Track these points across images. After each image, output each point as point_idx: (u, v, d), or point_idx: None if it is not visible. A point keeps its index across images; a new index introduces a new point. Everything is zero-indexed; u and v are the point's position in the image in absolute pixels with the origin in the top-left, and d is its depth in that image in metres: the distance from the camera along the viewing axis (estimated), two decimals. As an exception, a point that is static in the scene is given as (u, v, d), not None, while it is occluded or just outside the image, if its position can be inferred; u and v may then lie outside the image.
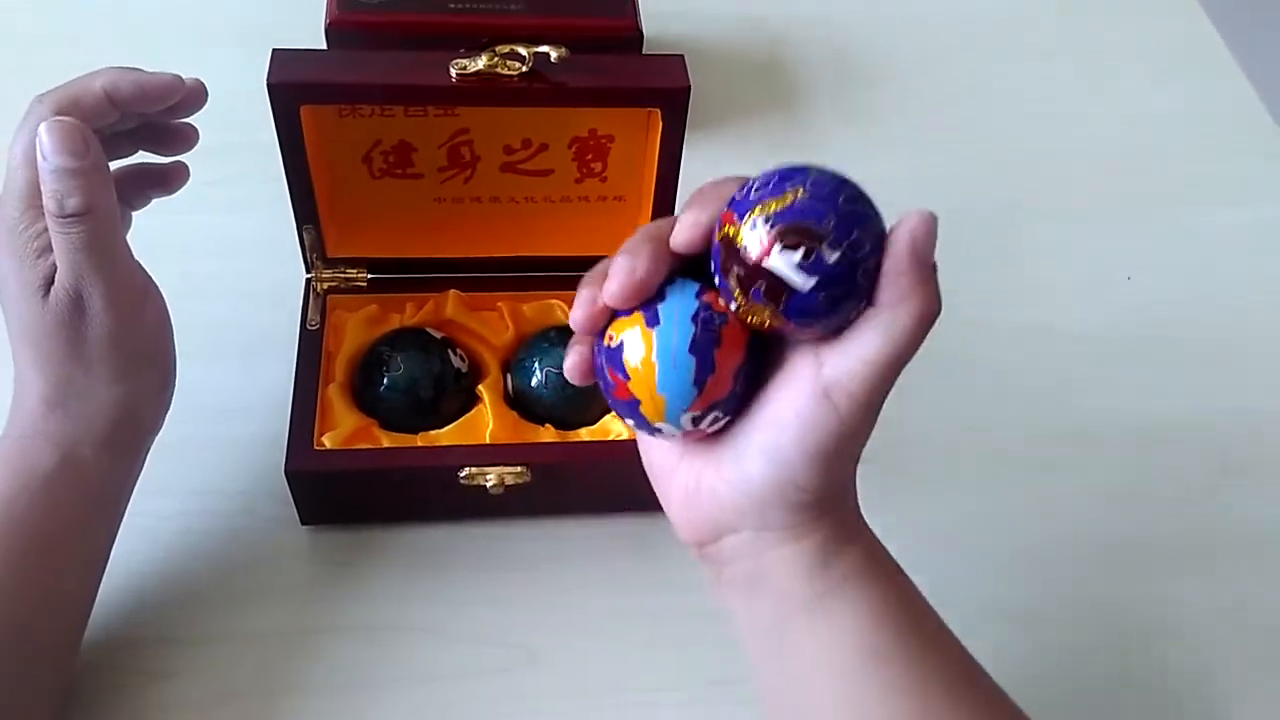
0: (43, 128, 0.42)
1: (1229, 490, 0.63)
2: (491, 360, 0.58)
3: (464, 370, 0.57)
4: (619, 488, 0.56)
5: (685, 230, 0.36)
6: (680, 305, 0.36)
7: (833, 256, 0.33)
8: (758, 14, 0.86)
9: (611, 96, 0.53)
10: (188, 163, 0.51)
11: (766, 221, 0.34)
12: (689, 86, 0.52)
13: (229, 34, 0.79)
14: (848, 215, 0.33)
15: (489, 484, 0.52)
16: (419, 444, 0.55)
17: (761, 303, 0.34)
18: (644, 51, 0.71)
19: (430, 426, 0.55)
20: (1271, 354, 0.69)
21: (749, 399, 0.37)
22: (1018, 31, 0.88)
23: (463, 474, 0.52)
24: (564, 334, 0.58)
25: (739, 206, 0.35)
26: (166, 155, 0.51)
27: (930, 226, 0.34)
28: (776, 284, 0.34)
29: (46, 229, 0.44)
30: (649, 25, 0.71)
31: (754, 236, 0.34)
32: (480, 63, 0.50)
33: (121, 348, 0.46)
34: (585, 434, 0.56)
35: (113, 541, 0.49)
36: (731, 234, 0.34)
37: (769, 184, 0.34)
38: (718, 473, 0.38)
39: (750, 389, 0.37)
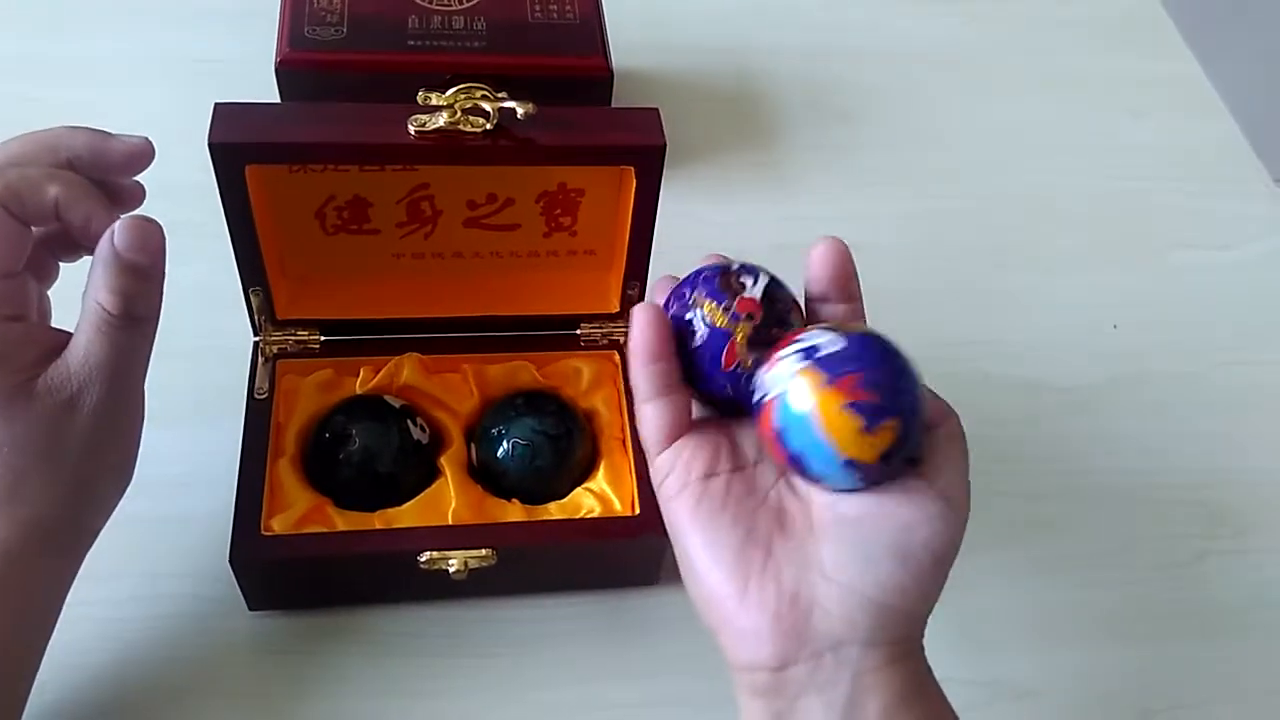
0: (120, 225, 0.40)
1: (1224, 551, 0.60)
2: (454, 428, 0.55)
3: (424, 441, 0.53)
4: (589, 567, 0.53)
5: None
6: None
7: None
8: (728, 45, 0.83)
9: (581, 155, 0.49)
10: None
11: None
12: (664, 144, 0.49)
13: (174, 65, 0.75)
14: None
15: (451, 569, 0.49)
16: (376, 525, 0.51)
17: None
18: (613, 85, 0.67)
19: (388, 504, 0.52)
20: (1266, 406, 0.67)
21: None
22: (994, 65, 0.85)
23: (423, 559, 0.49)
24: (532, 400, 0.55)
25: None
26: None
27: None
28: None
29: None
30: (615, 57, 0.67)
31: None
32: (441, 119, 0.46)
33: (96, 459, 0.42)
34: (555, 509, 0.53)
35: (45, 648, 0.44)
36: None
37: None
38: (831, 577, 0.36)
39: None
